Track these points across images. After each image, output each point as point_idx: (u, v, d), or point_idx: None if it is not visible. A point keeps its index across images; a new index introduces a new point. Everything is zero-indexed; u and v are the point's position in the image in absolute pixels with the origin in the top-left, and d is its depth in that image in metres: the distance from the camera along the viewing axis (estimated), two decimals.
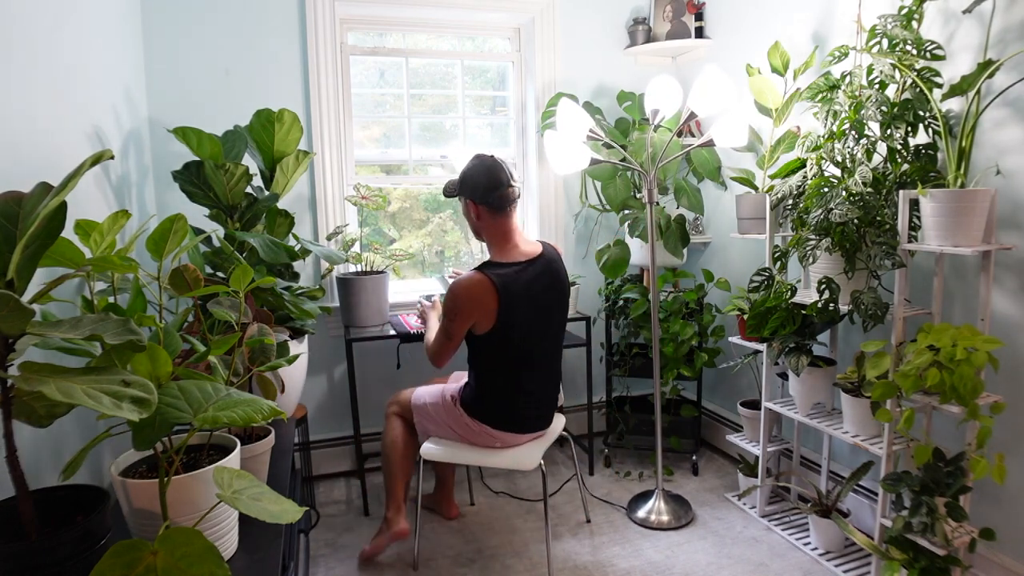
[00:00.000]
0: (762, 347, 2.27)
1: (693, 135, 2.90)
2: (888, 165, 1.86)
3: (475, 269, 1.90)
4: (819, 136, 1.99)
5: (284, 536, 1.12)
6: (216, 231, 1.88)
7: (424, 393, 2.14)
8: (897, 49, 1.78)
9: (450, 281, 2.14)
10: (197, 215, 2.36)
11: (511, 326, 1.89)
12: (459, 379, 2.24)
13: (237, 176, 1.81)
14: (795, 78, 2.21)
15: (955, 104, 1.79)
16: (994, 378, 1.77)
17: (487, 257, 2.03)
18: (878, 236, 1.76)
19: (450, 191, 2.02)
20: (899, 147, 1.79)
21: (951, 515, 1.68)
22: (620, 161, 2.33)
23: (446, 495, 2.41)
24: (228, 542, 1.02)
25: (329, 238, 2.49)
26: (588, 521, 2.36)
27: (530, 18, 2.86)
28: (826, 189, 1.87)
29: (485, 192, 1.90)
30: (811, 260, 1.84)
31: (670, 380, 2.63)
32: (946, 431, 1.91)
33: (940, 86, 1.74)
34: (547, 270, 1.97)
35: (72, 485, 0.91)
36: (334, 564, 2.10)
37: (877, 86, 1.83)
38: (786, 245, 2.08)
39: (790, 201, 2.10)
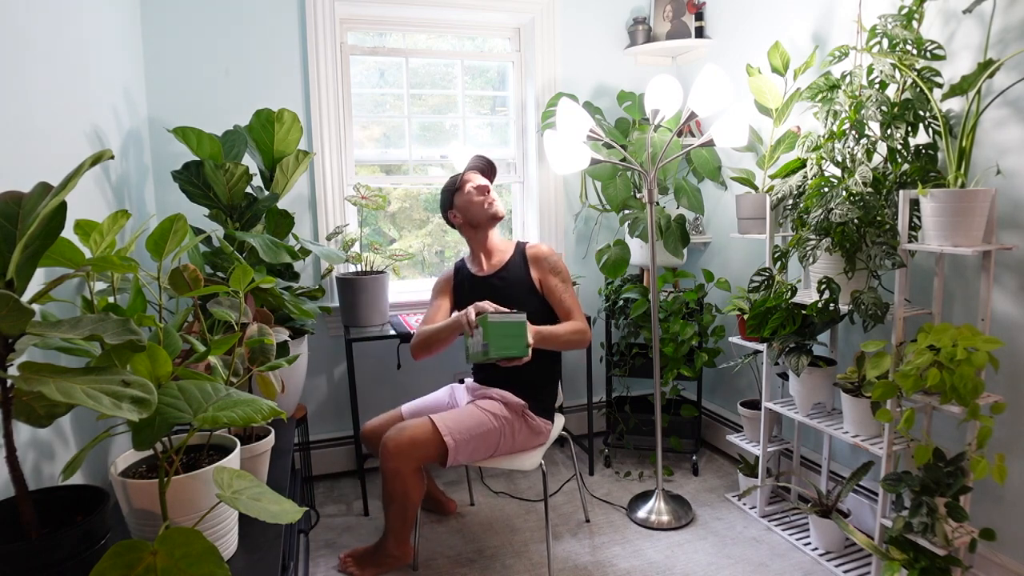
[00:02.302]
0: (762, 347, 2.27)
1: (693, 135, 2.90)
2: (888, 165, 1.86)
3: (522, 242, 2.16)
4: (819, 136, 1.99)
5: (284, 536, 1.12)
6: (216, 231, 1.88)
7: (457, 425, 1.86)
8: (897, 49, 1.78)
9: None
10: (197, 215, 2.36)
11: None
12: (427, 406, 2.12)
13: (237, 176, 1.81)
14: (795, 78, 2.21)
15: (955, 104, 1.79)
16: (994, 378, 1.77)
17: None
18: (878, 236, 1.76)
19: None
20: (899, 147, 1.79)
21: (951, 515, 1.68)
22: (620, 161, 2.33)
23: (436, 497, 2.40)
24: (228, 542, 1.02)
25: (329, 238, 2.49)
26: (588, 521, 2.35)
27: (530, 18, 2.86)
28: (826, 189, 1.87)
29: None
30: (811, 260, 1.84)
31: (670, 380, 2.63)
32: (946, 431, 1.91)
33: (940, 86, 1.74)
34: None
35: (72, 485, 0.90)
36: (334, 564, 2.10)
37: (877, 86, 1.83)
38: (786, 245, 2.08)
39: (790, 201, 2.10)
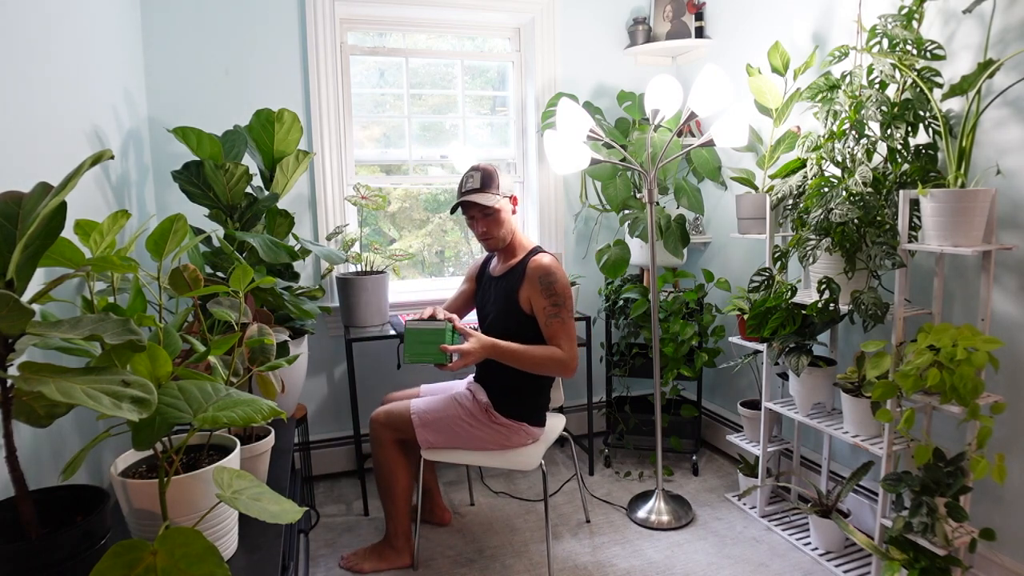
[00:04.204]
0: (762, 347, 2.27)
1: (693, 135, 2.90)
2: (888, 165, 1.86)
3: (540, 250, 2.01)
4: (819, 136, 1.99)
5: (284, 536, 1.12)
6: (216, 231, 1.88)
7: (427, 406, 2.01)
8: (897, 49, 1.78)
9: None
10: (197, 215, 2.36)
11: None
12: (444, 390, 2.17)
13: (237, 176, 1.81)
14: (795, 78, 2.21)
15: (955, 104, 1.79)
16: (994, 378, 1.77)
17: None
18: (878, 236, 1.76)
19: (491, 200, 1.92)
20: (899, 147, 1.79)
21: (951, 515, 1.68)
22: (620, 161, 2.33)
23: (435, 503, 2.36)
24: (228, 542, 1.02)
25: (329, 238, 2.49)
26: (588, 521, 2.35)
27: (530, 18, 2.86)
28: (826, 189, 1.87)
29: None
30: (811, 260, 1.84)
31: (670, 380, 2.63)
32: (946, 431, 1.91)
33: (940, 86, 1.74)
34: None
35: (72, 485, 0.90)
36: (334, 564, 2.10)
37: (877, 86, 1.83)
38: (786, 245, 2.08)
39: (790, 201, 2.10)
